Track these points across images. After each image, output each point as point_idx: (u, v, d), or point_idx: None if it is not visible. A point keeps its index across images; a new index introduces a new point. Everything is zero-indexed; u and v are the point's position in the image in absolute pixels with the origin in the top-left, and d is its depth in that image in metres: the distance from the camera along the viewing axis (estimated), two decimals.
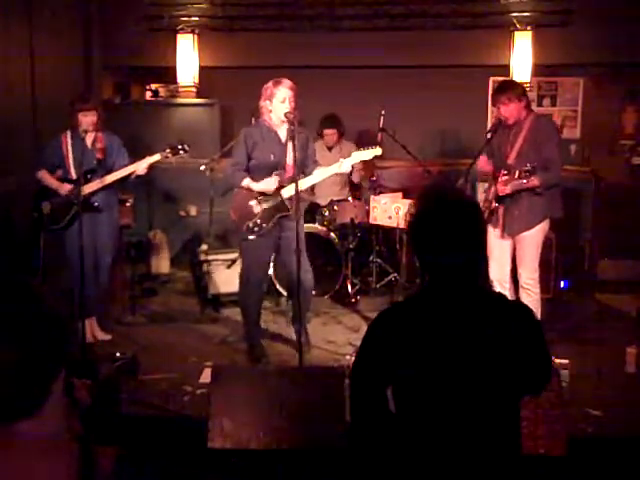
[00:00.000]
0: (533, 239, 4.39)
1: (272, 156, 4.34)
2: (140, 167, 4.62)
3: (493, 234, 4.46)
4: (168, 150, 4.68)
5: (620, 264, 6.29)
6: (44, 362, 1.24)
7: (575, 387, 3.74)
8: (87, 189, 4.54)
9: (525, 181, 4.09)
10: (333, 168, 4.37)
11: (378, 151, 4.39)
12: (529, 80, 6.52)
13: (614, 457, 3.21)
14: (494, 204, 4.41)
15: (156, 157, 4.67)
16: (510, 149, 4.38)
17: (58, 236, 4.70)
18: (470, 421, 1.83)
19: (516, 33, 6.53)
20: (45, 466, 1.22)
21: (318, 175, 4.41)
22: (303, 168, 4.37)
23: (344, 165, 4.33)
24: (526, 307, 2.03)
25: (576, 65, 6.78)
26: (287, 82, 4.26)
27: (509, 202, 4.36)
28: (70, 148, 4.65)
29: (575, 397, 3.66)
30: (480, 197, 6.15)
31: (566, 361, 3.81)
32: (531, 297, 4.42)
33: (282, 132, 4.37)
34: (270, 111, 4.29)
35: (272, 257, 4.76)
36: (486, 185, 5.95)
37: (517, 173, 4.10)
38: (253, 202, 4.35)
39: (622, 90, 6.82)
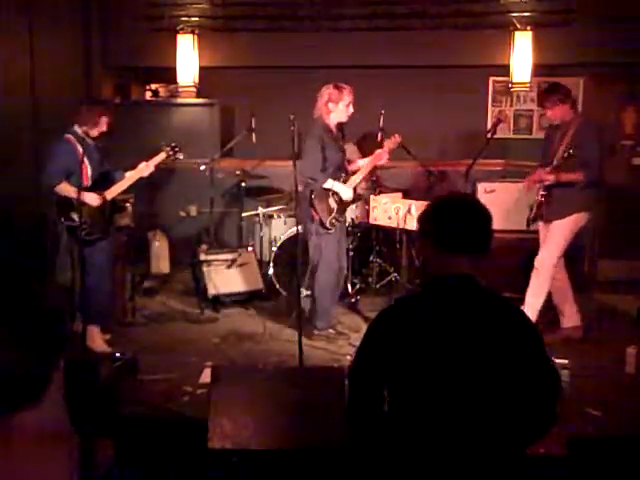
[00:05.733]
0: (564, 227, 4.57)
1: (337, 155, 4.83)
2: (146, 171, 4.68)
3: (542, 228, 4.74)
4: (168, 148, 4.80)
5: (620, 264, 6.28)
6: (43, 352, 1.27)
7: (575, 387, 3.74)
8: (111, 194, 4.58)
9: (566, 154, 4.38)
10: (374, 159, 4.98)
11: (398, 138, 5.02)
12: (529, 80, 6.53)
13: (614, 457, 3.20)
14: (540, 197, 4.65)
15: (162, 156, 4.75)
16: (557, 148, 4.59)
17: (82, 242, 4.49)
18: (467, 421, 1.83)
19: (516, 33, 6.52)
20: (46, 455, 1.24)
21: (361, 173, 4.98)
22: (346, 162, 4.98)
23: (383, 158, 5.00)
24: (524, 312, 2.04)
25: (576, 65, 6.77)
26: (349, 87, 4.80)
27: (550, 193, 4.61)
28: (83, 153, 4.39)
29: (575, 397, 3.66)
30: (482, 196, 6.17)
31: (566, 361, 3.81)
32: (538, 279, 4.58)
33: (336, 132, 4.89)
34: (331, 112, 4.77)
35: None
36: (486, 184, 5.98)
37: (559, 159, 4.42)
38: (331, 199, 4.81)
39: (622, 90, 6.82)
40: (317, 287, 4.90)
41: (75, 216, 4.44)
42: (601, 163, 4.55)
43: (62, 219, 4.47)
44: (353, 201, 5.00)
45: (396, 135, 5.01)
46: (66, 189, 4.39)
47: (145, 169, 4.69)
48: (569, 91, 4.68)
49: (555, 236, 4.59)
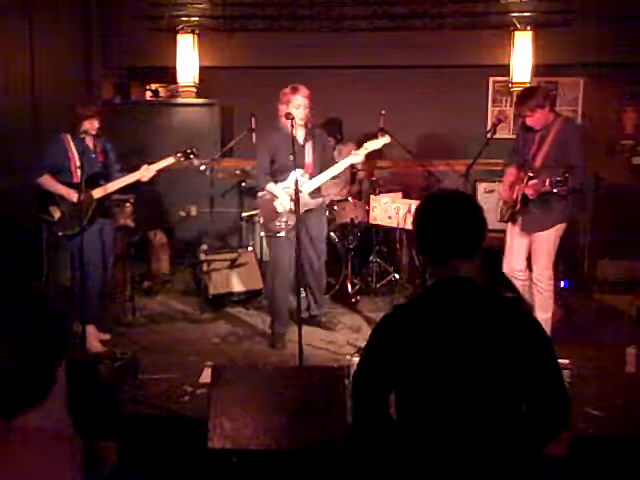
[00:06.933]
0: (548, 238, 4.46)
1: (291, 158, 4.52)
2: (147, 174, 4.63)
3: (512, 229, 4.57)
4: (180, 155, 4.77)
5: (620, 264, 6.28)
6: (46, 353, 1.27)
7: (575, 387, 3.74)
8: (98, 194, 4.52)
9: (556, 190, 4.11)
10: (349, 159, 4.68)
11: (387, 139, 4.74)
12: (529, 80, 6.53)
13: (614, 457, 3.20)
14: (519, 206, 4.46)
15: (170, 160, 4.71)
16: (537, 152, 4.42)
17: (63, 240, 4.56)
18: (472, 426, 1.82)
19: (516, 33, 6.53)
20: (49, 456, 1.23)
21: (335, 168, 4.70)
22: (324, 165, 4.73)
23: (359, 156, 4.67)
24: (531, 315, 2.02)
25: (576, 65, 6.77)
26: (303, 90, 4.56)
27: (530, 201, 4.41)
28: (75, 151, 4.46)
29: (575, 397, 3.65)
30: (482, 196, 6.17)
31: (566, 361, 3.81)
32: (541, 294, 4.52)
33: (299, 134, 4.63)
34: (287, 114, 4.50)
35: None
36: (486, 184, 5.98)
37: (548, 181, 4.12)
38: (277, 202, 4.64)
39: (622, 90, 6.82)
40: (267, 289, 4.97)
41: (52, 210, 4.48)
42: (586, 167, 4.36)
43: (40, 213, 4.50)
44: (307, 207, 4.63)
45: (386, 136, 4.78)
46: (48, 182, 4.46)
47: (145, 172, 4.64)
48: (547, 93, 4.46)
49: (543, 248, 4.48)
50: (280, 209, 4.64)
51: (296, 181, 4.17)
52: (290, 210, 4.57)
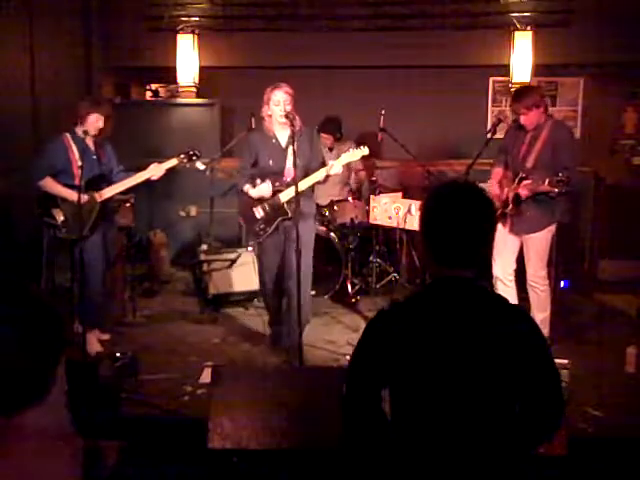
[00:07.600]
0: (541, 240, 4.44)
1: (271, 162, 4.43)
2: (157, 173, 4.58)
3: (501, 231, 4.49)
4: (183, 156, 4.72)
5: (620, 264, 6.29)
6: (45, 351, 1.28)
7: (575, 387, 3.74)
8: (102, 196, 4.48)
9: (557, 190, 4.06)
10: (323, 171, 4.36)
11: (365, 151, 4.46)
12: (529, 80, 6.53)
13: (614, 457, 3.20)
14: (511, 206, 4.42)
15: (173, 162, 4.65)
16: (528, 152, 4.40)
17: (68, 242, 4.49)
18: (467, 424, 1.82)
19: (516, 33, 6.54)
20: (49, 457, 1.24)
21: (310, 179, 4.36)
22: (310, 169, 4.38)
23: (334, 167, 4.35)
24: (527, 314, 2.02)
25: (576, 65, 6.78)
26: (284, 87, 4.32)
27: (523, 202, 4.38)
28: (76, 152, 4.39)
29: (575, 397, 3.66)
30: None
31: (566, 361, 3.81)
32: (537, 294, 4.50)
33: (283, 137, 4.41)
34: (269, 115, 4.36)
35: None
36: (486, 184, 5.97)
37: (547, 180, 4.07)
38: (258, 208, 4.48)
39: (622, 90, 6.82)
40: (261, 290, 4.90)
41: (55, 213, 4.42)
42: (577, 170, 4.30)
43: (43, 216, 4.44)
44: (279, 213, 4.41)
45: (362, 147, 4.43)
46: (49, 185, 4.39)
47: (156, 170, 4.57)
48: (542, 93, 4.45)
49: (538, 249, 4.46)
50: (259, 214, 4.47)
51: (296, 186, 3.97)
52: (267, 217, 4.45)
